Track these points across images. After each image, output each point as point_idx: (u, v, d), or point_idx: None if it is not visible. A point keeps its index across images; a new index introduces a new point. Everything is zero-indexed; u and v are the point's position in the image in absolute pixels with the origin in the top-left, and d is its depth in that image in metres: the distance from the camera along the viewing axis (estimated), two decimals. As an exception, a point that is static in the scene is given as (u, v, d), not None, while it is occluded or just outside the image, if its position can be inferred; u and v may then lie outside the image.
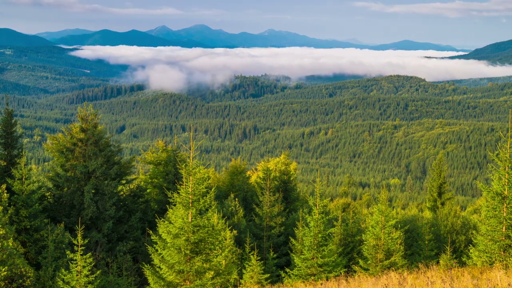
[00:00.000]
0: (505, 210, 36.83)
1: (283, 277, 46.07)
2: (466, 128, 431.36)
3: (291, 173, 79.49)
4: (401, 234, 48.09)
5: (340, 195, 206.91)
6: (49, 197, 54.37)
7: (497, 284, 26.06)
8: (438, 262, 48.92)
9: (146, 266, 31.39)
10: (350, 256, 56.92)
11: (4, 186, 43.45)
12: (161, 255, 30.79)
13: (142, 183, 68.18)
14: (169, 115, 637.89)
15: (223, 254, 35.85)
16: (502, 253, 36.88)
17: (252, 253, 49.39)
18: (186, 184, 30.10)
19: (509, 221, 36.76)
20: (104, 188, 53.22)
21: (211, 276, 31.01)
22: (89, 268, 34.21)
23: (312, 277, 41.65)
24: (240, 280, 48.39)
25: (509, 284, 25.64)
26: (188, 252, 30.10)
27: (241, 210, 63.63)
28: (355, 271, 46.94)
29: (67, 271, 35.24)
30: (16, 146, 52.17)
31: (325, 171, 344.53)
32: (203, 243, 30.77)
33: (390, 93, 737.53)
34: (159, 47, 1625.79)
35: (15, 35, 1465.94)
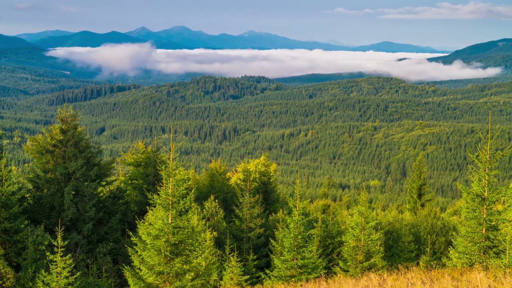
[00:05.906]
0: (484, 211, 36.96)
1: (263, 279, 46.09)
2: (446, 130, 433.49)
3: (271, 174, 79.61)
4: (381, 235, 48.15)
5: (320, 197, 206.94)
6: (29, 198, 54.06)
7: (477, 286, 26.16)
8: (418, 264, 49.09)
9: (126, 267, 31.26)
10: (330, 257, 56.99)
11: (-17, 188, 43.21)
12: (141, 257, 30.67)
13: (122, 184, 68.03)
14: (149, 116, 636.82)
15: (203, 256, 35.84)
16: (482, 254, 37.00)
17: (232, 254, 49.37)
18: (166, 185, 30.01)
19: (488, 222, 36.90)
20: (84, 189, 53.04)
21: (191, 277, 30.96)
22: (69, 269, 33.99)
23: (292, 279, 41.66)
24: (220, 281, 48.37)
25: (489, 286, 25.74)
26: (168, 253, 30.01)
27: (221, 212, 63.56)
28: (335, 273, 47.05)
29: (47, 273, 35.03)
30: (-5, 148, 51.90)
31: (305, 173, 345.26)
32: (183, 245, 30.69)
33: (370, 94, 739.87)
34: (140, 48, 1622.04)
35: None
